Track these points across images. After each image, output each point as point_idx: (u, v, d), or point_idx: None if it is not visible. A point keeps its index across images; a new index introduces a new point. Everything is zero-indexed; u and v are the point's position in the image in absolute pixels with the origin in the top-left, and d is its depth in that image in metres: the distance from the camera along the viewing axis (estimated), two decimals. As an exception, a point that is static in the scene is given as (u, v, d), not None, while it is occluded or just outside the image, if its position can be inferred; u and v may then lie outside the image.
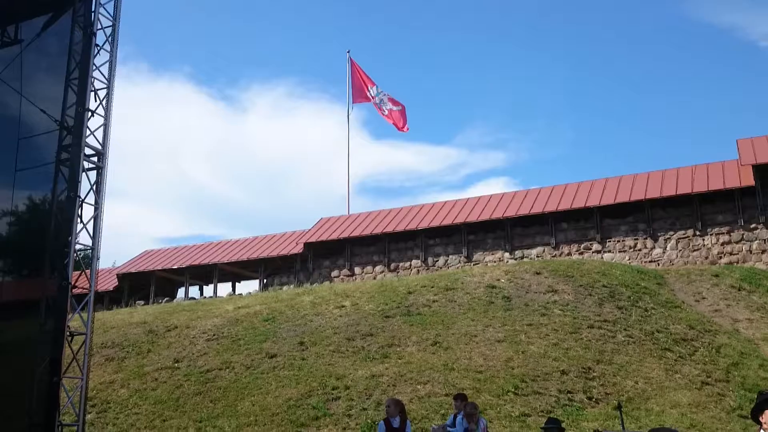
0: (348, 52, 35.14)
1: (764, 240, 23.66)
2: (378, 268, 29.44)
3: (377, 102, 34.51)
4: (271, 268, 31.89)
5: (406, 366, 14.35)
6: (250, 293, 28.40)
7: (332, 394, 13.54)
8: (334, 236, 30.34)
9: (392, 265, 29.22)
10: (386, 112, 34.56)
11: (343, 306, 18.38)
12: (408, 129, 35.14)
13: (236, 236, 36.64)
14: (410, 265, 28.99)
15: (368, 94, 34.31)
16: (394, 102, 34.61)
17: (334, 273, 30.19)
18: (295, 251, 30.84)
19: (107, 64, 10.26)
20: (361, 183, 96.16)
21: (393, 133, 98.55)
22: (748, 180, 23.93)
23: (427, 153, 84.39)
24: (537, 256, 26.67)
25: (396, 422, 10.24)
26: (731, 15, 71.75)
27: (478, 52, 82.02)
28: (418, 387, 13.43)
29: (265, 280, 31.64)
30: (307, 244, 30.59)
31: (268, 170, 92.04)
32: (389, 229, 29.46)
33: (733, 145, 26.53)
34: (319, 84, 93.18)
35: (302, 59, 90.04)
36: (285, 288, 28.42)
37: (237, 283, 35.21)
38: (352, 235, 29.95)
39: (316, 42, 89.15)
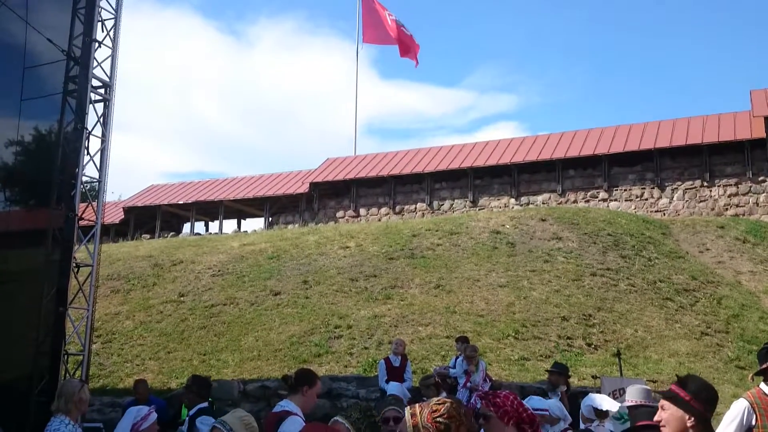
0: (359, -12, 34.33)
1: (772, 193, 23.53)
2: (383, 210, 29.47)
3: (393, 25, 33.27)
4: (276, 207, 31.97)
5: (408, 308, 14.51)
6: (255, 231, 28.58)
7: (334, 332, 13.74)
8: (340, 177, 30.28)
9: (397, 208, 29.24)
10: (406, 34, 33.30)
11: (347, 247, 18.48)
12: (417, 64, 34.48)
13: (241, 174, 36.66)
14: (415, 208, 29.00)
15: (387, 22, 33.09)
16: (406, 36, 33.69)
17: (339, 214, 30.25)
18: (300, 191, 30.83)
19: (114, -7, 10.01)
20: (368, 124, 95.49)
21: (402, 72, 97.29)
22: (760, 132, 23.63)
23: (436, 95, 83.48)
24: (543, 203, 26.62)
25: (397, 361, 10.45)
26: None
27: (492, -8, 79.95)
28: (420, 328, 13.60)
29: (270, 219, 31.76)
30: (312, 184, 30.56)
31: (274, 108, 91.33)
32: (395, 171, 29.35)
33: (747, 96, 26.06)
34: (328, 19, 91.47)
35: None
36: (290, 227, 28.55)
37: (242, 221, 35.40)
38: (358, 176, 29.88)
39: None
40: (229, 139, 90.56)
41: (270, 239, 20.33)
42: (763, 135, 23.48)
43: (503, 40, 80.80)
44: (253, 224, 35.69)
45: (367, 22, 33.72)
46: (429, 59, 79.63)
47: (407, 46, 33.40)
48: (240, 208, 33.75)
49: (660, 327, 13.95)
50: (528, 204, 26.86)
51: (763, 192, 23.69)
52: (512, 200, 27.44)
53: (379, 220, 28.41)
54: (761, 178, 23.79)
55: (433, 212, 28.34)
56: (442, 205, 28.58)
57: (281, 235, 21.26)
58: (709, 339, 13.73)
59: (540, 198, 27.04)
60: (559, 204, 26.02)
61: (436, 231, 19.18)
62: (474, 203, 27.98)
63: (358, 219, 29.39)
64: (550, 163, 26.88)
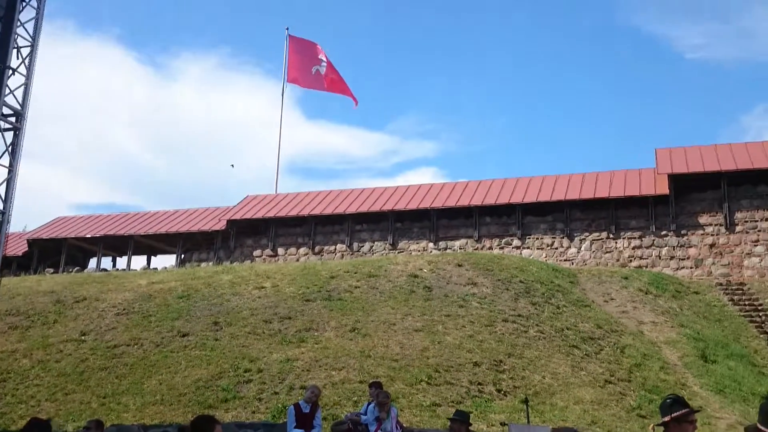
0: (287, 29, 34.62)
1: (673, 247, 24.82)
2: (302, 250, 29.24)
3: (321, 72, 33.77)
4: (190, 244, 31.17)
5: (322, 351, 14.32)
6: (165, 268, 27.71)
7: (244, 376, 13.37)
8: (260, 215, 29.92)
9: (317, 248, 29.09)
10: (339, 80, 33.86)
11: (263, 287, 18.16)
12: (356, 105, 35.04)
13: (156, 208, 35.61)
14: (335, 249, 28.93)
15: (318, 65, 33.54)
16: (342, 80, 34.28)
17: (257, 253, 29.80)
18: (216, 227, 30.24)
19: (33, 21, 9.71)
20: (290, 162, 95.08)
21: (327, 114, 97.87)
22: (663, 189, 25.00)
23: (361, 137, 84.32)
24: (460, 248, 27.11)
25: (307, 408, 10.23)
26: (662, 25, 74.58)
27: (419, 40, 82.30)
28: (333, 373, 13.42)
29: (182, 256, 30.91)
30: (230, 221, 30.04)
31: (194, 143, 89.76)
32: (317, 211, 29.28)
33: (651, 154, 27.63)
34: (253, 57, 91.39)
35: (239, 31, 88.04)
36: (203, 265, 27.86)
37: (153, 257, 34.26)
38: (278, 215, 29.62)
39: (254, 15, 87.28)
40: (144, 171, 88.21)
41: (181, 277, 19.74)
42: (667, 192, 24.86)
43: (427, 89, 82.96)
44: (165, 261, 34.67)
45: (293, 63, 33.92)
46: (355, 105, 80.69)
47: (341, 87, 34.03)
48: (151, 244, 32.71)
49: (566, 374, 14.30)
50: (446, 249, 27.29)
51: (665, 246, 24.96)
52: (431, 244, 27.81)
53: (298, 260, 28.16)
54: (664, 233, 25.08)
55: (352, 254, 28.35)
56: (362, 247, 28.64)
57: (193, 273, 20.69)
58: (612, 387, 14.16)
59: (458, 243, 27.53)
60: (475, 250, 26.56)
61: (355, 273, 19.16)
62: (394, 246, 28.18)
63: (276, 259, 29.03)
64: (468, 209, 27.50)
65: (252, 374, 13.42)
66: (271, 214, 29.72)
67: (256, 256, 29.63)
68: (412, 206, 28.11)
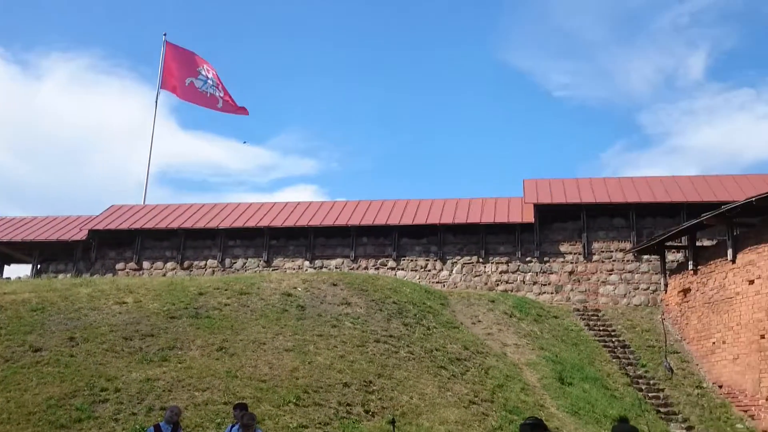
0: (164, 34, 33.44)
1: (536, 273, 26.09)
2: (169, 265, 28.07)
3: (207, 87, 32.84)
4: (47, 253, 29.08)
5: (186, 371, 13.70)
6: (19, 278, 25.67)
7: (100, 395, 12.53)
8: (125, 226, 28.46)
9: (186, 263, 28.03)
10: (219, 97, 33.00)
11: (124, 302, 17.19)
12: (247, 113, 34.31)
13: (11, 213, 32.94)
14: (206, 264, 28.02)
15: (194, 78, 32.58)
16: (229, 96, 33.48)
17: (119, 266, 28.28)
18: (77, 237, 28.43)
19: None
20: (162, 172, 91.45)
21: (203, 124, 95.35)
22: (529, 217, 26.30)
23: (238, 151, 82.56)
24: (336, 267, 27.09)
25: (168, 429, 9.75)
26: (533, 61, 79.04)
27: (305, 56, 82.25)
28: (197, 394, 12.86)
29: (39, 266, 28.76)
30: (92, 231, 28.34)
31: (58, 146, 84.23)
32: (187, 224, 28.25)
33: (520, 184, 29.02)
34: (128, 60, 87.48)
35: (114, 33, 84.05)
36: (61, 276, 26.05)
37: (6, 266, 31.61)
38: (144, 226, 28.30)
39: (132, 17, 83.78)
40: (3, 174, 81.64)
41: (35, 289, 18.29)
42: (532, 220, 26.15)
43: (309, 106, 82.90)
44: (19, 271, 32.07)
45: (169, 70, 32.78)
46: (233, 115, 79.06)
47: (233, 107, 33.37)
48: (4, 252, 30.20)
49: (433, 394, 14.54)
50: (322, 267, 27.18)
51: (530, 272, 26.19)
52: (306, 263, 27.59)
53: (164, 275, 26.99)
54: (528, 259, 26.33)
55: (224, 270, 27.56)
56: (235, 263, 27.93)
57: (49, 285, 19.24)
58: (476, 408, 14.55)
59: (334, 262, 27.49)
60: (351, 269, 26.63)
61: (225, 290, 18.57)
62: (268, 263, 27.69)
63: (141, 273, 27.67)
64: (345, 229, 27.56)
65: (109, 393, 12.60)
66: (137, 226, 28.35)
67: (119, 270, 28.12)
68: (289, 223, 27.80)
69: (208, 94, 32.96)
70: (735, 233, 20.02)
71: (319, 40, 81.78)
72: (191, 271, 27.62)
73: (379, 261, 27.28)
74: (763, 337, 17.94)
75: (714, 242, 22.37)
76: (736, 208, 19.39)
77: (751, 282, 18.76)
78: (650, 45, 75.61)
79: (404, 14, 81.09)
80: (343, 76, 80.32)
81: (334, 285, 19.83)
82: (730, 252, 19.75)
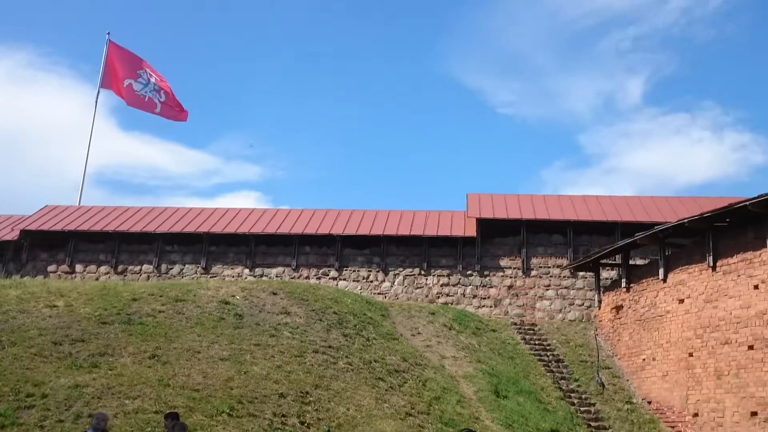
0: (108, 33, 32.65)
1: (476, 286, 26.41)
2: (103, 269, 27.27)
3: (146, 91, 32.14)
4: (-26, 253, 27.85)
5: (116, 378, 13.30)
6: (-59, 278, 24.44)
7: (26, 401, 12.06)
8: (58, 227, 27.53)
9: (120, 268, 27.27)
10: (158, 102, 32.29)
11: (55, 306, 16.59)
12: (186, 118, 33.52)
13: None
14: (141, 269, 27.31)
15: (133, 80, 31.86)
16: (174, 98, 32.77)
17: (51, 268, 27.31)
18: (8, 237, 27.36)
19: None
20: (99, 173, 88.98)
21: (144, 126, 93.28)
22: (471, 231, 26.63)
23: (179, 154, 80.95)
24: (277, 276, 26.81)
25: (94, 439, 9.44)
26: (479, 78, 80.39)
27: (255, 61, 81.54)
28: (127, 402, 12.50)
29: (-36, 266, 27.52)
30: (24, 232, 27.31)
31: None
32: (123, 227, 27.52)
33: (464, 198, 29.38)
34: (68, 58, 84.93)
35: (53, 29, 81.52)
36: (-12, 277, 24.96)
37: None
38: (79, 228, 27.43)
39: (74, 15, 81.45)
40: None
41: (-41, 290, 17.49)
42: (474, 234, 26.49)
43: (255, 111, 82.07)
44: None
45: (111, 70, 31.99)
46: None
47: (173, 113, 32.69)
48: (-73, 250, 28.77)
49: (370, 406, 14.51)
50: (262, 276, 26.85)
51: (470, 285, 26.49)
52: (246, 270, 27.22)
53: (98, 279, 26.23)
54: (469, 272, 26.62)
55: (160, 276, 26.93)
56: (172, 269, 27.32)
57: (-25, 286, 18.43)
58: (412, 420, 14.58)
59: (274, 271, 27.21)
60: (292, 278, 26.40)
61: (161, 296, 18.14)
62: (206, 270, 27.20)
63: (73, 276, 26.80)
64: (287, 237, 27.32)
65: (35, 399, 12.13)
66: (71, 227, 27.46)
67: (51, 272, 27.15)
68: (230, 230, 27.40)
69: (146, 98, 32.28)
70: (667, 253, 20.73)
71: (268, 49, 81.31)
72: (126, 275, 26.91)
73: (321, 271, 27.14)
74: (691, 355, 18.58)
75: (647, 261, 23.10)
76: (668, 229, 20.08)
77: (681, 301, 19.43)
78: (592, 68, 78.04)
79: (355, 24, 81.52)
80: (292, 84, 79.99)
81: (274, 294, 19.62)
82: (661, 271, 20.42)
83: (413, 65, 78.78)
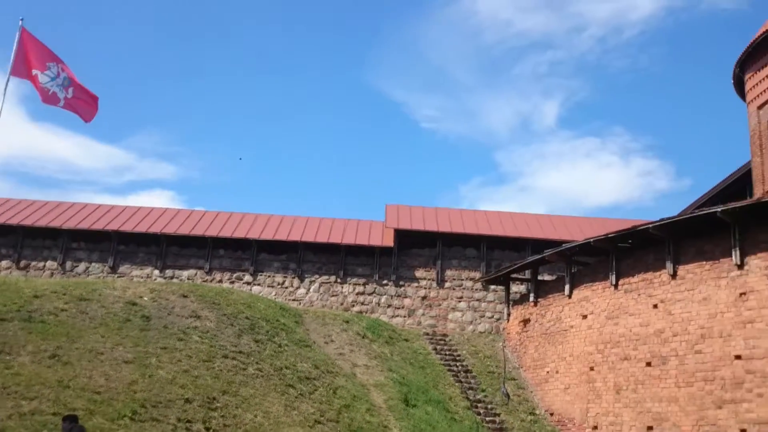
0: (21, 20, 31.09)
1: (392, 296, 26.67)
2: (4, 263, 25.89)
3: (51, 84, 30.72)
4: None
5: (13, 377, 12.63)
6: None
7: None
8: (-45, 218, 25.94)
9: (22, 263, 25.97)
10: (62, 97, 30.90)
11: (-54, 301, 15.61)
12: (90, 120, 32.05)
13: None
14: (44, 266, 26.09)
15: (40, 72, 30.42)
16: (83, 90, 31.34)
17: (-55, 260, 25.70)
18: None
19: None
20: (3, 164, 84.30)
21: (54, 117, 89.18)
22: (389, 241, 26.90)
23: (90, 148, 77.74)
24: (189, 279, 26.19)
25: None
26: (403, 92, 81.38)
27: (176, 57, 79.41)
28: (23, 403, 11.90)
29: None
30: None
31: None
32: (27, 222, 26.24)
33: (383, 208, 29.63)
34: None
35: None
36: None
37: None
38: (-21, 220, 25.93)
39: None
40: None
41: None
42: (392, 244, 26.76)
43: (175, 109, 79.95)
44: None
45: (23, 58, 30.47)
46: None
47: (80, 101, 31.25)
48: None
49: (279, 413, 14.37)
50: (173, 278, 26.17)
51: (385, 294, 26.72)
52: (157, 272, 26.47)
53: (-3, 274, 24.82)
54: (385, 282, 26.86)
55: (65, 273, 25.80)
56: (77, 267, 26.23)
57: None
58: (321, 427, 14.55)
59: (186, 273, 26.57)
60: (204, 281, 25.86)
61: (64, 294, 17.37)
62: (114, 269, 26.27)
63: (-31, 270, 25.28)
64: (201, 239, 26.76)
65: None
66: (-29, 219, 25.94)
67: (-56, 265, 25.55)
68: (141, 229, 26.58)
69: (50, 92, 30.95)
70: (573, 270, 21.60)
71: (189, 49, 79.43)
72: (28, 271, 25.64)
73: (234, 275, 26.71)
74: (592, 369, 19.38)
75: (554, 277, 23.98)
76: (575, 248, 20.93)
77: (585, 317, 20.26)
78: (511, 89, 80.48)
79: (282, 29, 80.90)
80: (212, 85, 78.43)
81: (185, 296, 19.15)
82: (567, 287, 21.24)
83: (340, 74, 78.99)
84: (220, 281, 26.35)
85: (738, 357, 15.79)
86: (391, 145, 78.58)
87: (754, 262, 16.19)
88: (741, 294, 16.17)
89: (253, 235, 26.87)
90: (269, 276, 26.82)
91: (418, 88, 78.67)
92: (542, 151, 76.47)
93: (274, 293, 26.23)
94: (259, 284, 26.61)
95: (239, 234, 26.87)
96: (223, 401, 14.10)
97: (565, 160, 75.28)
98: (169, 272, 26.54)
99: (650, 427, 17.14)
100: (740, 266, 16.37)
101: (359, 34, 79.95)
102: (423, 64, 77.30)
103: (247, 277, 26.71)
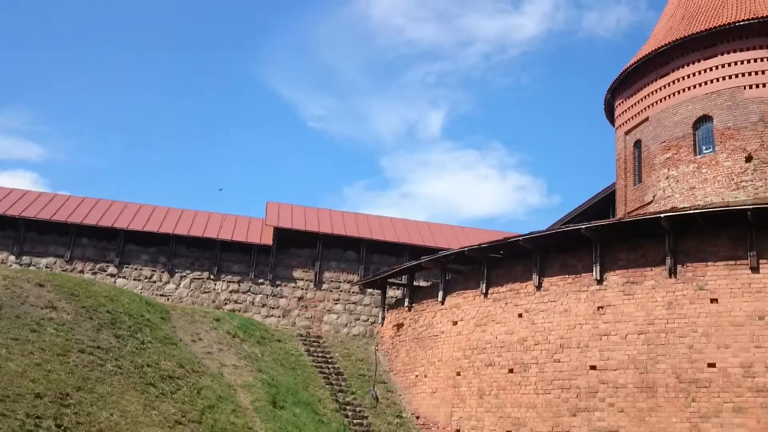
0: None
1: (267, 295, 26.15)
2: None
3: None
4: None
5: None
6: None
7: None
8: None
9: None
10: None
11: None
12: None
13: None
14: None
15: None
16: None
17: None
18: None
19: None
20: None
21: None
22: (268, 239, 26.37)
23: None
24: (47, 267, 24.43)
25: None
26: (293, 91, 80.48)
27: (50, 35, 74.13)
28: None
29: None
30: None
31: None
32: None
33: (264, 205, 29.07)
34: None
35: None
36: None
37: None
38: None
39: None
40: None
41: None
42: (270, 242, 26.25)
43: (43, 86, 74.59)
44: None
45: None
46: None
47: None
48: None
49: (137, 412, 13.64)
50: (30, 265, 24.33)
51: (260, 293, 26.17)
52: (12, 257, 24.51)
53: None
54: (261, 281, 26.30)
55: None
56: None
57: None
58: (182, 428, 13.94)
59: (45, 261, 24.78)
60: (64, 271, 24.22)
61: None
62: (-38, 253, 24.02)
63: None
64: (63, 225, 25.05)
65: None
66: None
67: None
68: (-3, 211, 24.50)
69: None
70: (447, 277, 22.12)
71: (70, 29, 74.55)
72: None
73: (98, 266, 25.20)
74: (458, 374, 19.89)
75: (429, 283, 24.47)
76: (450, 255, 21.45)
77: (455, 323, 20.79)
78: (400, 96, 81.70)
79: (171, 18, 77.67)
80: (87, 68, 74.01)
81: (41, 286, 17.82)
82: (440, 294, 21.71)
83: (227, 65, 76.97)
84: (82, 271, 24.78)
85: (593, 367, 16.75)
86: (277, 142, 77.56)
87: (613, 278, 17.27)
88: (599, 308, 17.18)
89: (121, 224, 25.48)
90: (136, 269, 25.53)
91: (307, 86, 78.17)
92: (426, 159, 78.18)
93: (140, 287, 24.99)
94: (124, 277, 25.26)
95: (105, 222, 25.39)
96: (77, 398, 13.19)
97: (447, 170, 77.38)
98: (26, 259, 24.65)
99: (509, 432, 17.81)
100: (600, 281, 17.40)
101: (247, 27, 78.34)
102: (315, 61, 76.93)
103: (112, 269, 25.29)
